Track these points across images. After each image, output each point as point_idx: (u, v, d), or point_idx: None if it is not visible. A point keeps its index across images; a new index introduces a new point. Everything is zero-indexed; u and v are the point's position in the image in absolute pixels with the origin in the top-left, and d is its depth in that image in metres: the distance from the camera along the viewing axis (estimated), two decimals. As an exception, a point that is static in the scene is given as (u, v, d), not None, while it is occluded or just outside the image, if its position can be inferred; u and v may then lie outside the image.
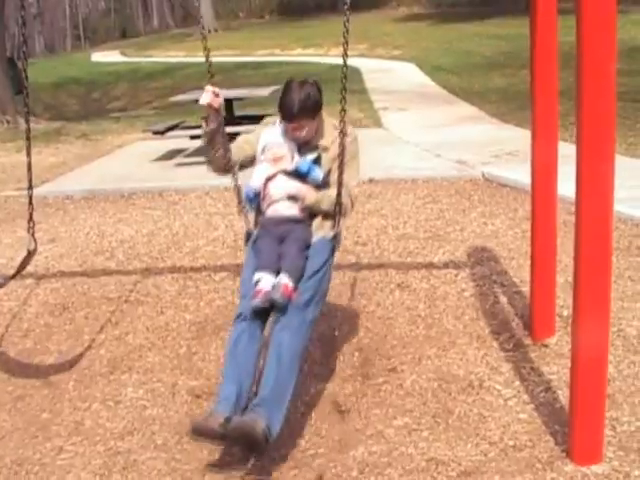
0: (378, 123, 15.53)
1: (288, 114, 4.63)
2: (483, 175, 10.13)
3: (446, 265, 6.88)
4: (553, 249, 5.23)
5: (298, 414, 4.67)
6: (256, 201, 4.78)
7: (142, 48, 53.99)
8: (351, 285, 6.59)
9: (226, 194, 10.22)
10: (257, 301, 4.34)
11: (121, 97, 29.80)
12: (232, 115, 13.27)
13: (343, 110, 4.44)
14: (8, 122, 19.98)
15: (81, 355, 5.75)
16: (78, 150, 15.33)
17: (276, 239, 4.59)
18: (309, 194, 4.66)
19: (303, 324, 4.37)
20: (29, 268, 5.99)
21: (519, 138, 10.96)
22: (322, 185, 4.69)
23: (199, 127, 11.63)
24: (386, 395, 4.83)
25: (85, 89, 33.23)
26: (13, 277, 5.43)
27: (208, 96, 4.70)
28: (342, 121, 4.48)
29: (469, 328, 5.65)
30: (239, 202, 4.97)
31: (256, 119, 12.97)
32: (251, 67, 31.91)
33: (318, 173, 4.68)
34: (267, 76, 26.43)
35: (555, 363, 4.98)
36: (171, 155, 13.56)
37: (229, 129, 13.48)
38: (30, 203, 5.25)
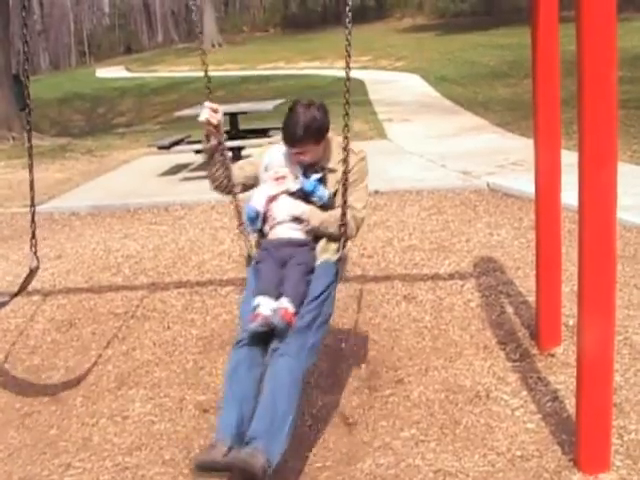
0: (382, 134, 15.55)
1: (291, 139, 4.48)
2: (488, 185, 10.14)
3: (452, 276, 6.88)
4: (558, 258, 5.23)
5: (305, 427, 4.67)
6: (257, 222, 4.64)
7: (147, 63, 54.19)
8: (357, 297, 6.59)
9: (232, 208, 10.23)
10: (255, 325, 4.17)
11: (126, 112, 29.86)
12: (237, 129, 13.29)
13: (347, 126, 4.28)
14: (14, 138, 20.04)
15: (88, 371, 5.76)
16: (84, 166, 15.38)
17: (278, 262, 4.44)
18: (314, 215, 4.52)
19: (303, 350, 4.18)
20: (36, 284, 6.02)
21: (524, 148, 10.95)
22: (328, 206, 4.54)
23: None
24: (393, 407, 4.82)
25: (90, 105, 33.33)
26: (16, 295, 5.43)
27: (206, 112, 4.56)
28: (346, 137, 4.28)
29: (475, 339, 5.65)
30: (239, 224, 4.83)
31: (261, 133, 13.03)
32: (255, 81, 32.07)
33: (323, 192, 4.53)
34: (271, 90, 26.56)
35: (562, 372, 4.98)
36: (176, 170, 13.60)
37: (234, 143, 13.46)
38: (32, 221, 5.27)
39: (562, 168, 5.06)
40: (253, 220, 4.63)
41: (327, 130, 4.53)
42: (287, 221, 4.52)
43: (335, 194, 4.55)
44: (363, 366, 5.42)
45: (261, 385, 4.16)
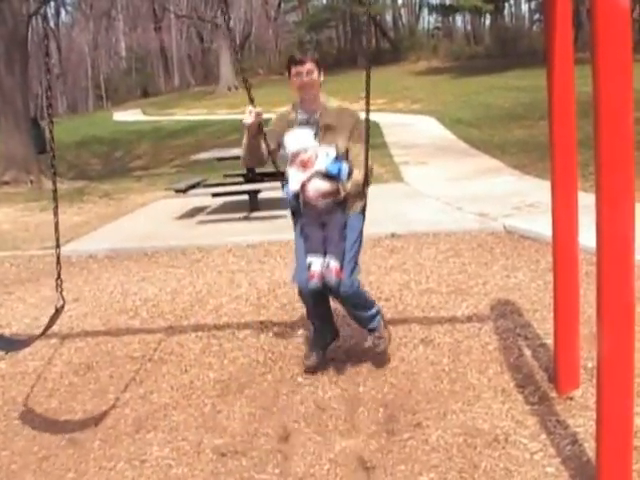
0: (399, 177, 15.60)
1: (296, 57, 5.71)
2: (505, 227, 10.14)
3: (469, 319, 6.87)
4: (576, 301, 5.21)
5: (323, 471, 4.65)
6: (296, 201, 5.68)
7: (163, 106, 54.53)
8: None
9: (249, 251, 10.27)
10: (314, 283, 5.54)
11: (143, 156, 30.03)
12: (253, 172, 13.29)
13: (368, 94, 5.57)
14: (32, 182, 20.20)
15: (106, 414, 5.75)
16: (101, 209, 15.46)
17: (319, 225, 5.66)
18: (341, 190, 5.52)
19: (352, 287, 5.67)
20: (54, 327, 6.04)
21: (540, 189, 10.96)
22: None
23: (220, 185, 11.79)
24: (411, 451, 4.79)
25: (108, 148, 33.55)
26: (42, 334, 5.46)
27: (251, 116, 5.61)
28: (367, 102, 5.61)
29: (493, 382, 5.62)
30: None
31: (275, 175, 12.94)
32: (273, 123, 32.09)
33: (344, 172, 5.54)
34: (288, 132, 26.55)
35: (581, 415, 4.94)
36: (193, 213, 13.66)
37: (250, 187, 13.42)
38: (58, 262, 5.32)
39: (579, 209, 5.06)
40: (291, 200, 5.73)
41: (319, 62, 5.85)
42: (320, 197, 5.48)
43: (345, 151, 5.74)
44: (381, 410, 5.40)
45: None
